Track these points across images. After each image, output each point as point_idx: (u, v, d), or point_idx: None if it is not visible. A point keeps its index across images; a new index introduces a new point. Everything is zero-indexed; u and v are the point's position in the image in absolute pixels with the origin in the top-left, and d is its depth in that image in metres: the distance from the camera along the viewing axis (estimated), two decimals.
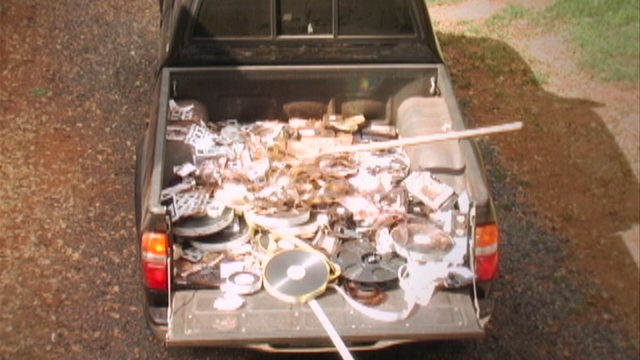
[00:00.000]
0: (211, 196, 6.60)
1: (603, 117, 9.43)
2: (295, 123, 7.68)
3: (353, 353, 5.87)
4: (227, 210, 6.51)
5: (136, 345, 6.89)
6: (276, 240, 6.41)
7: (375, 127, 7.70)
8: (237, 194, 6.63)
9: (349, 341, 5.92)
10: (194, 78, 7.55)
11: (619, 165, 8.77)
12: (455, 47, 10.61)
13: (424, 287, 6.10)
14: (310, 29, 7.57)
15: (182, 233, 6.33)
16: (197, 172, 6.80)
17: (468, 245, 6.21)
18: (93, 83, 9.73)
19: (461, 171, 6.72)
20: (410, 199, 6.68)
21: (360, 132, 7.61)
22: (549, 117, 9.46)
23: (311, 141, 7.45)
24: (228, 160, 7.06)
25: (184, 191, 6.60)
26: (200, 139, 7.12)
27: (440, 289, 6.14)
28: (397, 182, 6.86)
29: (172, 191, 6.56)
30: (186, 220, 6.37)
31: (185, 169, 6.78)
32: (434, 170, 6.79)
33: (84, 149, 8.76)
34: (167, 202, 6.37)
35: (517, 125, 7.08)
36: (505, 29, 11.06)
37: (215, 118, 7.59)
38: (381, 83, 7.66)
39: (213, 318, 5.97)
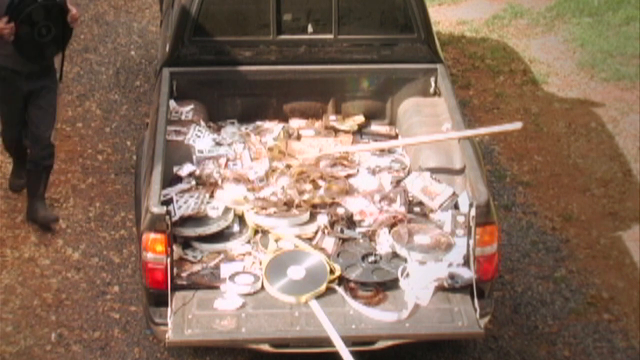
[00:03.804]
0: (211, 196, 6.60)
1: (603, 117, 9.44)
2: (295, 123, 7.68)
3: (353, 353, 5.87)
4: (227, 210, 6.51)
5: (136, 345, 6.89)
6: (276, 240, 6.41)
7: (375, 127, 7.70)
8: (237, 194, 6.63)
9: (349, 341, 5.92)
10: (194, 78, 7.55)
11: (619, 165, 8.77)
12: (455, 47, 10.61)
13: (424, 287, 6.10)
14: (310, 29, 7.57)
15: (182, 233, 6.33)
16: (197, 172, 6.80)
17: (468, 245, 6.21)
18: (93, 83, 9.73)
19: (461, 171, 6.72)
20: (410, 199, 6.68)
21: (360, 132, 7.61)
22: (549, 117, 9.46)
23: (311, 141, 7.45)
24: (228, 160, 7.06)
25: (183, 191, 6.60)
26: (200, 139, 7.12)
27: (440, 289, 6.14)
28: (397, 182, 6.86)
29: (172, 191, 6.56)
30: (186, 220, 6.37)
31: (185, 169, 6.78)
32: (434, 170, 6.79)
33: (84, 149, 8.76)
34: (167, 202, 6.37)
35: (517, 125, 7.08)
36: (505, 29, 11.06)
37: (215, 118, 7.59)
38: (381, 83, 7.66)
39: (213, 318, 5.97)
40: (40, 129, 7.52)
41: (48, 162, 7.66)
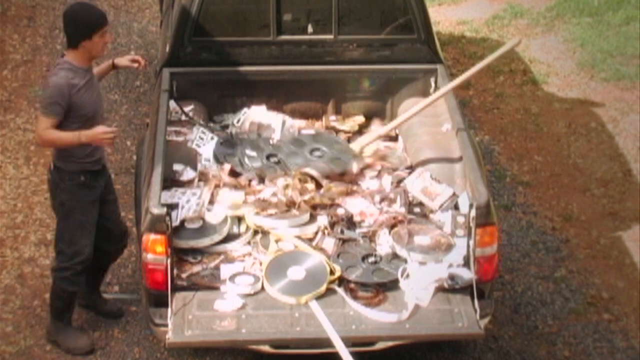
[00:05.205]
0: (210, 202, 6.55)
1: (603, 117, 9.44)
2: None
3: (353, 354, 5.87)
4: (224, 220, 6.42)
5: (136, 345, 6.89)
6: (276, 241, 6.40)
7: (375, 127, 7.69)
8: (236, 196, 6.61)
9: (349, 342, 5.92)
10: (194, 78, 7.55)
11: (619, 165, 8.77)
12: (455, 47, 10.61)
13: (424, 288, 6.10)
14: (310, 29, 7.57)
15: (179, 245, 6.24)
16: (198, 172, 6.78)
17: (468, 246, 6.21)
18: None
19: (461, 172, 6.72)
20: (411, 199, 6.68)
21: (360, 132, 7.61)
22: (549, 117, 9.46)
23: None
24: None
25: (185, 188, 6.57)
26: (203, 141, 7.08)
27: (440, 289, 6.14)
28: (398, 183, 6.86)
29: (172, 192, 6.54)
30: (182, 231, 6.30)
31: (185, 175, 6.72)
32: (434, 171, 6.79)
33: None
34: (171, 205, 6.33)
35: (515, 41, 7.21)
36: (505, 29, 11.06)
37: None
38: (381, 83, 7.66)
39: (213, 319, 5.97)
40: (118, 221, 6.88)
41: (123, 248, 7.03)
